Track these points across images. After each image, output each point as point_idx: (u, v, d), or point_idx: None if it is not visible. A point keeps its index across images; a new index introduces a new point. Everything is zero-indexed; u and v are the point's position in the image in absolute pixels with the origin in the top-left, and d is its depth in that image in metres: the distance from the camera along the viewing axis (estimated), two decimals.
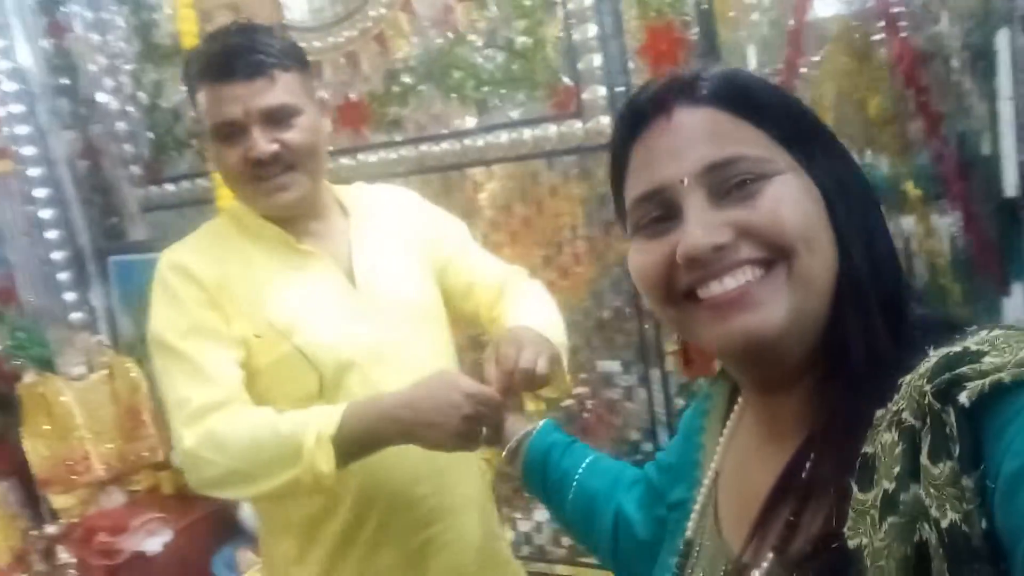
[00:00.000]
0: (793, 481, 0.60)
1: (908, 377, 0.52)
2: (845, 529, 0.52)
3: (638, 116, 0.66)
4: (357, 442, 1.10)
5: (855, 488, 0.52)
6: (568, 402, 1.92)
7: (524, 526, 2.06)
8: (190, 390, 1.16)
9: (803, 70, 1.50)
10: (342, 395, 1.20)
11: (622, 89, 1.69)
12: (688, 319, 0.64)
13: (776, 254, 0.59)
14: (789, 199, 0.60)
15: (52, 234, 2.51)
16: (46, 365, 2.32)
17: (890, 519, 0.49)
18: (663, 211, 0.63)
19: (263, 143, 1.18)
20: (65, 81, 2.46)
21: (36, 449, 2.27)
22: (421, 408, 1.08)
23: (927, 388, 0.49)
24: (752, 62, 1.54)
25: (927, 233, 1.47)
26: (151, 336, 1.22)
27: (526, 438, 1.04)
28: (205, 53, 1.22)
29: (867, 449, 0.53)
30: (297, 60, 1.24)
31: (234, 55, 1.18)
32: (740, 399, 0.76)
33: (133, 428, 2.36)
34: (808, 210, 0.60)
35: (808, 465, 0.60)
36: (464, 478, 1.32)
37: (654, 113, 0.64)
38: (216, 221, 1.32)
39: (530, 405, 1.18)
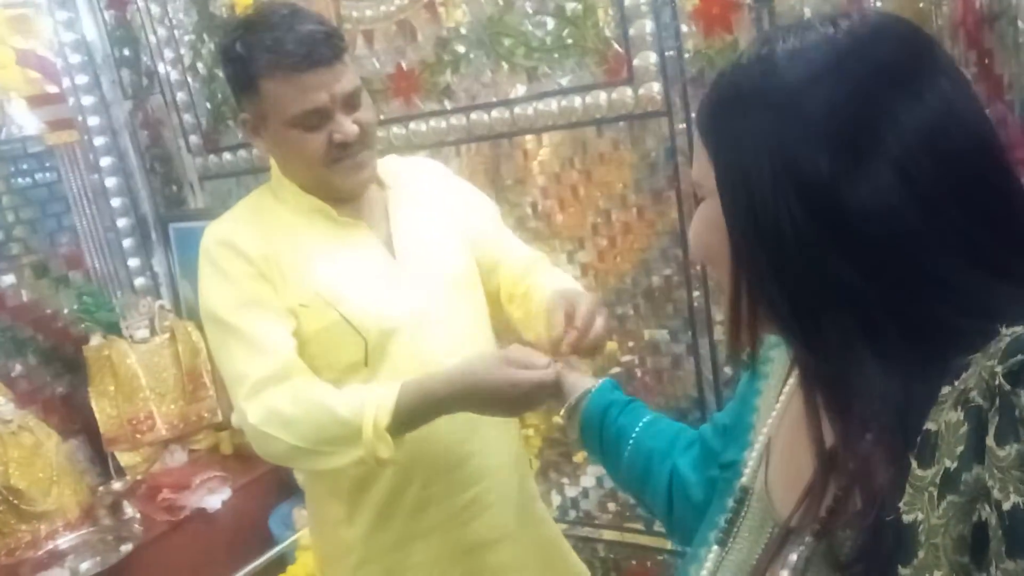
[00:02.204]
0: (846, 451, 0.60)
1: (977, 355, 0.51)
2: (901, 504, 0.52)
3: None
4: (411, 422, 1.15)
5: (914, 464, 0.52)
6: (615, 370, 1.92)
7: (571, 491, 2.09)
8: (247, 364, 1.19)
9: None
10: (387, 361, 1.23)
11: (673, 54, 1.67)
12: None
13: None
14: (698, 224, 0.67)
15: (116, 202, 2.60)
16: (112, 328, 2.40)
17: (949, 497, 0.49)
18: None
19: (348, 125, 1.21)
20: (127, 52, 2.52)
21: (103, 409, 2.37)
22: (478, 395, 1.11)
23: (998, 369, 0.48)
24: None
25: None
26: (204, 312, 1.25)
27: (585, 395, 1.06)
28: (273, 43, 1.18)
29: (929, 426, 0.52)
30: (344, 37, 1.26)
31: (314, 42, 1.17)
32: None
33: (194, 390, 2.44)
34: (707, 236, 0.65)
35: (867, 436, 0.59)
36: (503, 439, 1.35)
37: None
38: (256, 196, 1.34)
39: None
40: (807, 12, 1.49)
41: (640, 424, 1.00)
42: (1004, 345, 0.49)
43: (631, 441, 0.99)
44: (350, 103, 1.21)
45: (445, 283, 1.30)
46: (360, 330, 1.22)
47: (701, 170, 0.64)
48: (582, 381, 1.08)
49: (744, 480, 0.76)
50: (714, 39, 1.61)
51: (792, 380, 0.76)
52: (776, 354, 0.82)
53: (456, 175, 1.49)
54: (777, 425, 0.76)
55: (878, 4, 1.43)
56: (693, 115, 1.66)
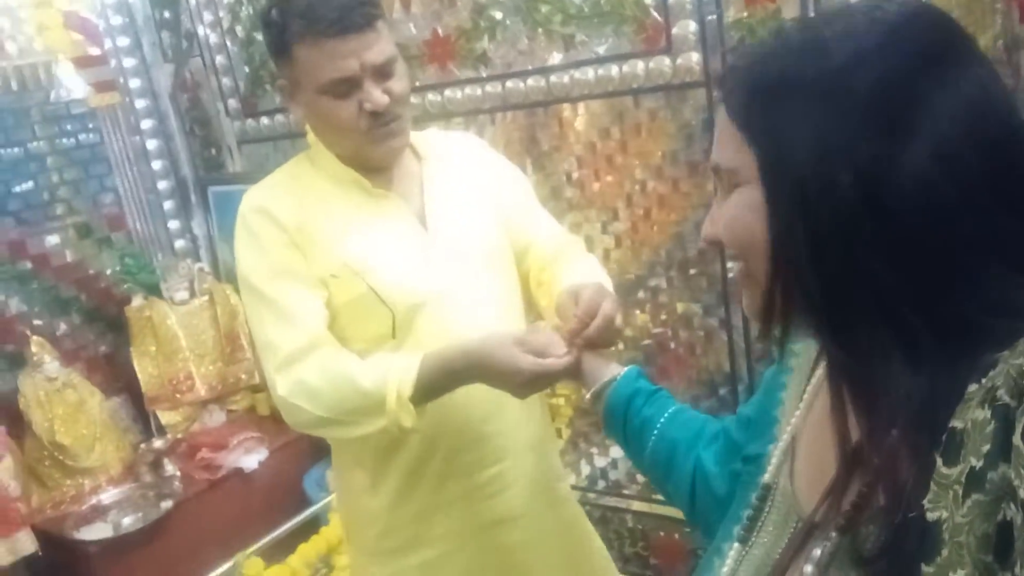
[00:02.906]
0: (871, 449, 0.59)
1: (1005, 353, 0.51)
2: (925, 502, 0.52)
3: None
4: (433, 392, 1.16)
5: (939, 461, 0.52)
6: (647, 342, 1.92)
7: (600, 462, 2.10)
8: (278, 335, 1.21)
9: None
10: (414, 334, 1.24)
11: (713, 19, 1.63)
12: None
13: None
14: (735, 211, 0.64)
15: (157, 164, 2.63)
16: (152, 290, 2.45)
17: (974, 496, 0.48)
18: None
19: (377, 94, 1.20)
20: (167, 15, 2.53)
21: (144, 368, 2.42)
22: (487, 371, 1.13)
23: None
24: None
25: None
26: (240, 277, 1.27)
27: (611, 382, 1.05)
28: (306, 9, 1.18)
29: (955, 424, 0.52)
30: (381, 6, 1.24)
31: (345, 8, 1.16)
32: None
33: (232, 352, 2.48)
34: (748, 224, 0.62)
35: (889, 438, 0.58)
36: (528, 419, 1.34)
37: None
38: (294, 162, 1.35)
39: None
40: None
41: (665, 415, 0.99)
42: None
43: (655, 432, 0.99)
44: (382, 72, 1.21)
45: (477, 259, 1.30)
46: (388, 302, 1.23)
47: (734, 157, 0.62)
48: (607, 368, 1.07)
49: (767, 478, 0.75)
50: (756, 7, 1.57)
51: (818, 374, 0.75)
52: (801, 348, 0.81)
53: (493, 148, 1.47)
54: (803, 420, 0.75)
55: None
56: None
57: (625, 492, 2.08)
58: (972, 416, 0.51)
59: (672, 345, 1.91)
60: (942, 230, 0.54)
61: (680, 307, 1.87)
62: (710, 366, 1.87)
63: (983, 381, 0.51)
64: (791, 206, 0.58)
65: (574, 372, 1.10)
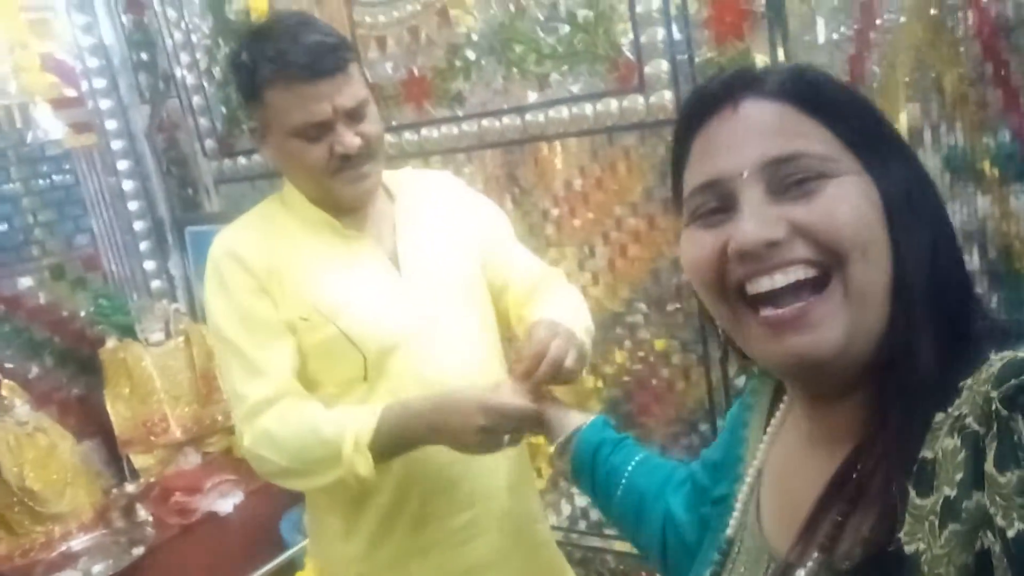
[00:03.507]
0: (844, 483, 0.59)
1: (970, 381, 0.51)
2: (901, 534, 0.51)
3: (705, 104, 0.64)
4: (392, 444, 1.16)
5: (912, 493, 0.51)
6: (625, 379, 1.91)
7: (581, 501, 2.07)
8: (245, 386, 1.21)
9: (874, 39, 1.43)
10: (386, 377, 1.23)
11: (684, 59, 1.65)
12: (741, 327, 0.63)
13: (829, 258, 0.58)
14: (848, 202, 0.58)
15: (133, 205, 2.62)
16: (127, 331, 2.42)
17: (951, 526, 0.48)
18: (720, 203, 0.62)
19: (349, 137, 1.20)
20: (144, 56, 2.53)
21: (118, 411, 2.38)
22: (447, 412, 1.12)
23: (993, 394, 0.47)
24: (821, 34, 1.48)
25: (1004, 215, 1.40)
26: (209, 323, 1.27)
27: (576, 433, 1.04)
28: (277, 53, 1.18)
29: (926, 454, 0.52)
30: (354, 49, 1.25)
31: (317, 53, 1.16)
32: (787, 396, 0.74)
33: (208, 393, 2.45)
34: (866, 215, 0.58)
35: (860, 467, 0.58)
36: (503, 462, 1.33)
37: (721, 103, 0.63)
38: (266, 204, 1.35)
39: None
40: (820, 21, 1.46)
41: (632, 463, 0.98)
42: (996, 369, 0.49)
43: (623, 481, 0.97)
44: (354, 115, 1.21)
45: (451, 299, 1.29)
46: (359, 345, 1.22)
47: (821, 146, 0.59)
48: (572, 417, 1.06)
49: (735, 519, 0.74)
50: (726, 47, 1.59)
51: (781, 409, 0.74)
52: (759, 383, 0.80)
53: (469, 187, 1.48)
54: (766, 455, 0.74)
55: (891, 16, 1.40)
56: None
57: (607, 532, 2.05)
58: (942, 445, 0.50)
59: (651, 382, 1.90)
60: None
61: (658, 344, 1.86)
62: (689, 403, 1.86)
63: (949, 410, 0.51)
64: (916, 203, 0.59)
65: (536, 421, 1.09)
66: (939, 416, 0.52)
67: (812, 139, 0.59)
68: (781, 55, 1.54)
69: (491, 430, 1.09)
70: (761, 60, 1.56)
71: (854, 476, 0.59)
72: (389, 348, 1.23)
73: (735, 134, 0.61)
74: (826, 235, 0.57)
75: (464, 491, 1.29)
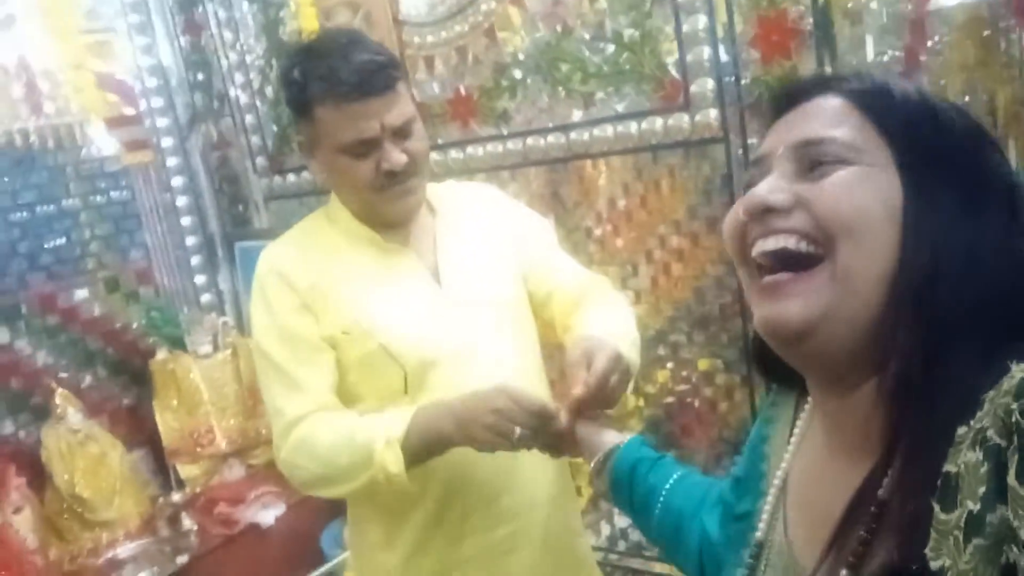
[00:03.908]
0: (869, 499, 0.59)
1: (991, 393, 0.50)
2: (927, 550, 0.51)
3: (792, 94, 0.68)
4: (423, 442, 1.15)
5: (937, 508, 0.51)
6: (668, 400, 1.89)
7: (621, 522, 2.05)
8: (284, 401, 1.23)
9: (924, 59, 1.42)
10: (426, 392, 1.24)
11: (731, 81, 1.65)
12: (750, 291, 0.67)
13: (821, 235, 0.60)
14: (854, 188, 0.60)
15: (186, 220, 2.69)
16: (177, 343, 2.48)
17: (975, 541, 0.47)
18: (761, 177, 0.66)
19: (396, 155, 1.22)
20: (200, 76, 2.61)
21: (166, 421, 2.43)
22: (465, 414, 1.13)
23: (1014, 406, 0.47)
24: (870, 53, 1.47)
25: None
26: (253, 339, 1.29)
27: (613, 452, 1.03)
28: (328, 71, 1.20)
29: (949, 468, 0.51)
30: (402, 67, 1.27)
31: (367, 72, 1.18)
32: (806, 407, 0.74)
33: (253, 405, 2.49)
34: (868, 206, 0.59)
35: (885, 482, 0.58)
36: (544, 476, 1.32)
37: (800, 99, 0.67)
38: (311, 219, 1.37)
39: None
40: (868, 40, 1.45)
41: (669, 482, 0.97)
42: (1017, 382, 0.49)
43: (660, 500, 0.96)
44: (401, 132, 1.23)
45: (491, 314, 1.30)
46: (399, 359, 1.23)
47: (854, 135, 0.62)
48: (610, 436, 1.05)
49: (759, 535, 0.73)
50: (772, 66, 1.59)
51: (801, 422, 0.73)
52: (779, 397, 0.79)
53: (512, 200, 1.49)
54: (789, 469, 0.73)
55: (941, 35, 1.39)
56: (751, 141, 1.64)
57: (646, 553, 2.02)
58: (965, 459, 0.50)
59: (694, 402, 1.88)
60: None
61: (701, 363, 1.85)
62: (732, 423, 1.84)
63: (971, 423, 0.51)
64: (935, 219, 0.59)
65: (571, 442, 1.08)
66: (962, 429, 0.51)
67: (849, 128, 0.62)
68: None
69: (503, 415, 1.09)
70: None
71: (878, 491, 0.58)
72: (430, 362, 1.24)
73: (795, 120, 0.66)
74: (821, 212, 0.60)
75: (505, 504, 1.29)
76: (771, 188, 0.63)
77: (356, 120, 1.19)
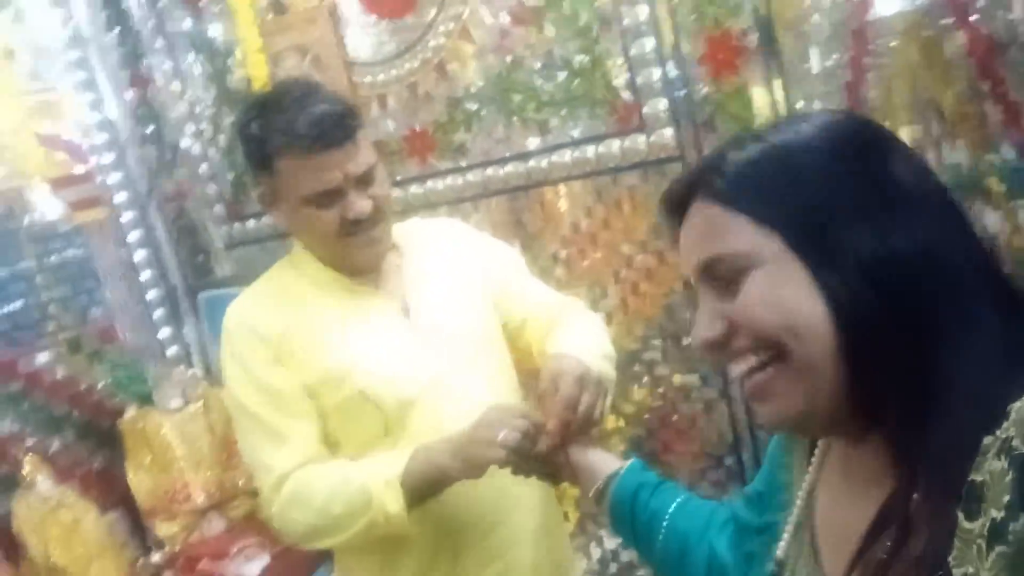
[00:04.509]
0: (895, 512, 0.59)
1: (1018, 404, 0.51)
2: (950, 559, 0.51)
3: (670, 212, 0.70)
4: (423, 479, 1.15)
5: (961, 516, 0.52)
6: (646, 417, 1.90)
7: (611, 544, 2.05)
8: (270, 456, 1.22)
9: (869, 66, 1.45)
10: (408, 433, 1.23)
11: (683, 95, 1.67)
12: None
13: (765, 345, 0.61)
14: (762, 293, 0.61)
15: (146, 274, 2.63)
16: (145, 400, 2.42)
17: (998, 548, 0.48)
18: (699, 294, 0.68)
19: (361, 203, 1.22)
20: (150, 129, 2.58)
21: (140, 481, 2.37)
22: (462, 438, 1.14)
23: None
24: (815, 64, 1.51)
25: (1014, 229, 1.40)
26: (227, 395, 1.27)
27: (613, 478, 1.03)
28: (286, 124, 1.19)
29: (975, 477, 0.52)
30: (360, 115, 1.27)
31: (326, 123, 1.18)
32: None
33: (228, 457, 2.44)
34: (787, 301, 0.60)
35: (913, 494, 0.58)
36: (532, 507, 1.32)
37: (678, 210, 0.69)
38: (277, 268, 1.36)
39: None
40: (813, 51, 1.49)
41: (673, 505, 0.97)
42: None
43: (664, 524, 0.96)
44: (364, 180, 1.23)
45: (466, 348, 1.30)
46: (377, 402, 1.22)
47: (742, 240, 0.62)
48: (609, 463, 1.05)
49: (781, 547, 0.74)
50: (722, 83, 1.62)
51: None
52: None
53: (477, 232, 1.49)
54: (815, 480, 0.74)
55: (883, 40, 1.42)
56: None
57: (639, 574, 2.02)
58: (990, 468, 0.51)
59: (673, 418, 1.89)
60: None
61: (677, 379, 1.86)
62: (713, 437, 1.85)
63: (998, 432, 0.52)
64: (847, 266, 0.58)
65: (567, 468, 1.08)
66: (987, 439, 0.52)
67: (732, 236, 0.62)
68: (778, 86, 1.56)
69: (494, 424, 1.09)
70: (758, 93, 1.59)
71: (905, 504, 0.59)
72: (408, 403, 1.24)
73: (684, 240, 0.68)
74: (749, 329, 0.62)
75: (496, 540, 1.28)
76: (704, 323, 0.65)
77: (318, 172, 1.19)
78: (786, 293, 0.60)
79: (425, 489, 1.15)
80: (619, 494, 1.01)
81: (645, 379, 1.89)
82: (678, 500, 0.98)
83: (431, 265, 1.36)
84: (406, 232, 1.40)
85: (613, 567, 2.05)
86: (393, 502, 1.12)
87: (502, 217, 1.99)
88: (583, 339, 1.27)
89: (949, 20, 1.37)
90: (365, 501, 1.13)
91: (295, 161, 1.19)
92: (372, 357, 1.25)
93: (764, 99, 1.57)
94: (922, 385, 0.58)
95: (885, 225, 0.59)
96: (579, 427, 1.09)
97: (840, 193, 0.60)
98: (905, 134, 1.46)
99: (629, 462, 1.04)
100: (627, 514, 1.00)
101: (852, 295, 0.58)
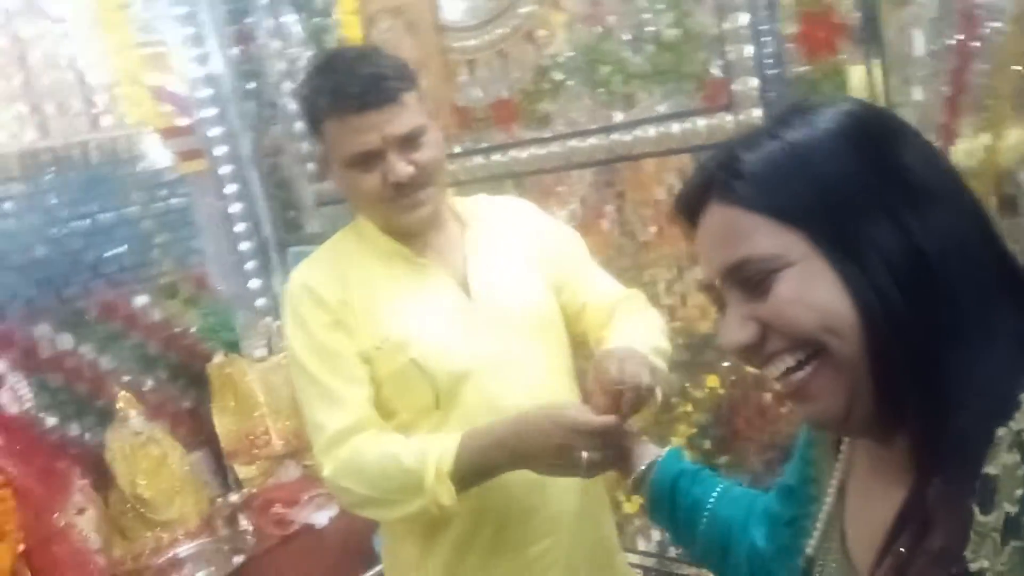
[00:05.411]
0: (917, 507, 0.59)
1: None
2: (966, 552, 0.51)
3: (684, 214, 0.68)
4: (473, 472, 1.15)
5: (976, 510, 0.51)
6: (717, 404, 1.86)
7: None
8: (324, 415, 1.24)
9: (976, 53, 1.36)
10: (458, 406, 1.24)
11: (775, 74, 1.60)
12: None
13: (803, 345, 0.60)
14: (795, 293, 0.60)
15: (240, 227, 2.74)
16: (233, 347, 2.53)
17: (1013, 543, 0.48)
18: (723, 298, 0.66)
19: (401, 166, 1.22)
20: (251, 85, 2.66)
21: (223, 423, 2.49)
22: (526, 433, 1.12)
23: None
24: (919, 48, 1.42)
25: None
26: (289, 355, 1.30)
27: (652, 466, 1.02)
28: (332, 85, 1.22)
29: (988, 470, 0.52)
30: (413, 79, 1.27)
31: (365, 85, 1.19)
32: None
33: None
34: (819, 299, 0.59)
35: (930, 489, 0.58)
36: (579, 489, 1.31)
37: (694, 212, 0.67)
38: (341, 235, 1.38)
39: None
40: (916, 35, 1.40)
41: (715, 493, 0.96)
42: None
43: (707, 512, 0.95)
44: (406, 143, 1.22)
45: (522, 327, 1.29)
46: (430, 374, 1.23)
47: (768, 243, 0.61)
48: (647, 450, 1.05)
49: (812, 542, 0.73)
50: (818, 62, 1.54)
51: None
52: None
53: (543, 213, 1.48)
54: (845, 475, 0.73)
55: (994, 25, 1.32)
56: None
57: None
58: (1003, 460, 0.51)
59: (744, 406, 1.85)
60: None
61: (750, 368, 1.81)
62: (783, 428, 1.80)
63: (1010, 424, 0.51)
64: (872, 263, 0.58)
65: (613, 436, 1.07)
66: (1001, 431, 0.52)
67: (757, 238, 0.61)
68: (877, 68, 1.48)
69: (567, 447, 1.08)
70: (856, 73, 1.50)
71: (924, 500, 0.58)
72: (460, 376, 1.24)
73: (703, 244, 0.66)
74: (785, 329, 0.61)
75: (540, 519, 1.28)
76: (735, 327, 0.63)
77: (357, 133, 1.20)
78: (818, 292, 0.59)
79: (475, 481, 1.16)
80: (659, 481, 1.00)
81: (718, 365, 1.85)
82: (719, 488, 0.97)
83: (494, 242, 1.35)
84: (471, 207, 1.39)
85: (672, 551, 2.03)
86: (446, 495, 1.13)
87: (582, 189, 1.96)
88: (643, 334, 1.26)
89: None
90: (416, 486, 1.15)
91: (338, 122, 1.21)
92: (427, 329, 1.26)
93: (861, 81, 1.48)
94: (940, 380, 0.57)
95: (907, 220, 0.58)
96: (631, 407, 1.08)
97: (862, 189, 0.60)
98: (1013, 124, 1.36)
99: (667, 449, 1.02)
100: (667, 502, 0.99)
101: (877, 292, 0.58)
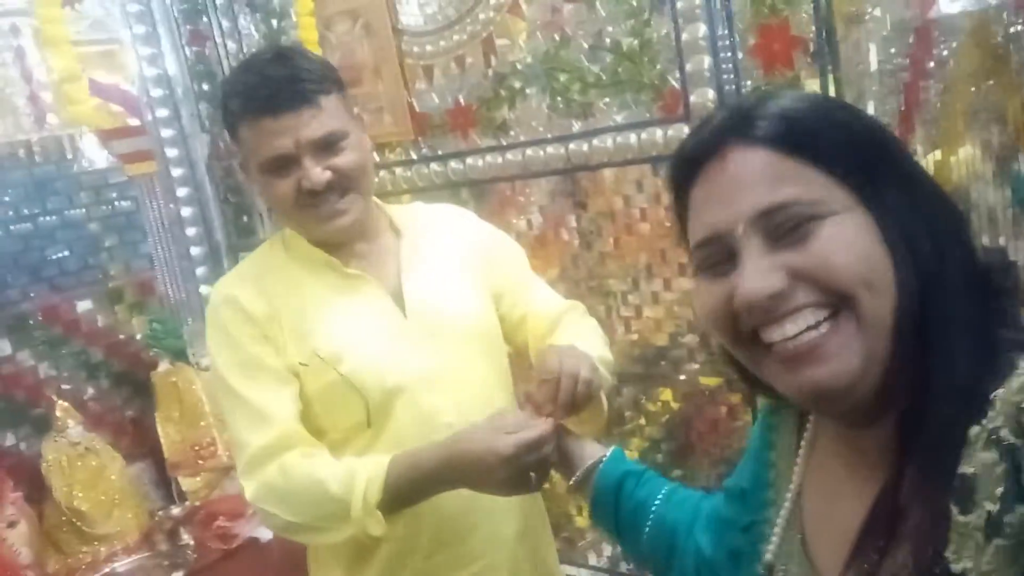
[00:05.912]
0: (887, 508, 0.58)
1: (1001, 391, 0.50)
2: (948, 553, 0.50)
3: (696, 153, 0.64)
4: (403, 500, 1.11)
5: (955, 510, 0.51)
6: (669, 417, 1.84)
7: None
8: (248, 433, 1.18)
9: (931, 68, 1.36)
10: (391, 423, 1.20)
11: (731, 91, 1.60)
12: (759, 364, 0.64)
13: (835, 299, 0.58)
14: (843, 241, 0.58)
15: (191, 231, 2.66)
16: (179, 355, 2.46)
17: (996, 542, 0.48)
18: (723, 255, 0.62)
19: (316, 172, 1.17)
20: (205, 87, 2.60)
21: (168, 434, 2.41)
22: (462, 465, 1.06)
23: None
24: (873, 62, 1.42)
25: None
26: (212, 371, 1.25)
27: (596, 466, 1.00)
28: (244, 87, 1.17)
29: (965, 469, 0.51)
30: (335, 81, 1.22)
31: (278, 86, 1.15)
32: (812, 416, 0.73)
33: None
34: (863, 251, 0.58)
35: (903, 489, 0.57)
36: (514, 508, 1.27)
37: (711, 152, 0.63)
38: (268, 246, 1.33)
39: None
40: (872, 48, 1.40)
41: (659, 496, 0.94)
42: None
43: (651, 516, 0.93)
44: (324, 148, 1.18)
45: (458, 339, 1.25)
46: (360, 389, 1.19)
47: (811, 190, 0.59)
48: (590, 449, 1.02)
49: (772, 547, 0.72)
50: (774, 75, 1.54)
51: (808, 432, 0.71)
52: (783, 403, 0.76)
53: (482, 222, 1.44)
54: (802, 478, 0.71)
55: (948, 42, 1.33)
56: None
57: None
58: (980, 459, 0.50)
59: (696, 419, 1.83)
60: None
61: (703, 380, 1.80)
62: (736, 442, 1.78)
63: (984, 422, 0.50)
64: (897, 226, 0.58)
65: (552, 442, 1.04)
66: (974, 429, 0.51)
67: (800, 183, 0.59)
68: (831, 83, 1.48)
69: (513, 470, 1.03)
70: (811, 87, 1.50)
71: (896, 500, 0.58)
72: (392, 393, 1.20)
73: (726, 187, 0.61)
74: (826, 279, 0.58)
75: (472, 543, 1.24)
76: (759, 277, 0.59)
77: (270, 136, 1.16)
78: (864, 243, 0.58)
79: (405, 504, 1.12)
80: (603, 482, 0.98)
81: (671, 378, 1.83)
82: (664, 490, 0.95)
83: (430, 251, 1.30)
84: (407, 215, 1.35)
85: (623, 566, 2.00)
86: (374, 525, 1.09)
87: (537, 200, 1.94)
88: (585, 340, 1.23)
89: (1019, 23, 1.27)
90: (344, 515, 1.10)
91: (252, 126, 1.17)
92: (359, 344, 1.21)
93: None
94: (923, 370, 0.57)
95: (913, 195, 0.60)
96: (570, 407, 1.05)
97: (883, 154, 0.61)
98: (965, 141, 1.36)
99: (611, 449, 1.00)
100: (611, 503, 0.97)
101: (912, 251, 0.58)
